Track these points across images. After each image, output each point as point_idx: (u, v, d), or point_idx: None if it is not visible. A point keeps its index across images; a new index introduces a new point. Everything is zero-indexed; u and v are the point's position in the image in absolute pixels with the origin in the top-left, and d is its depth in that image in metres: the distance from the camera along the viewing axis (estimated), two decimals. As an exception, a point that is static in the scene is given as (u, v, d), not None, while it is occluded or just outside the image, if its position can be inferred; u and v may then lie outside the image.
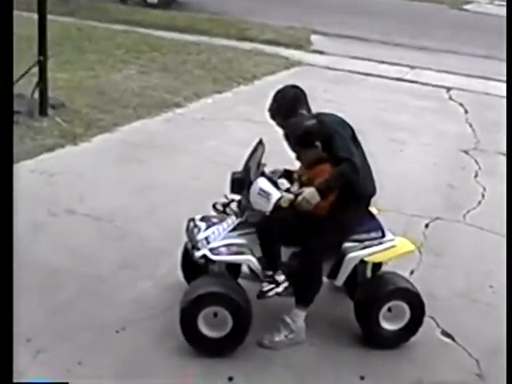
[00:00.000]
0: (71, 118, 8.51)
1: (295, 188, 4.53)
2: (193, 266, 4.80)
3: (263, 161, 4.67)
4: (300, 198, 4.31)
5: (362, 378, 4.32)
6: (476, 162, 8.68)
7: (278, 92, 4.75)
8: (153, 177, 7.07)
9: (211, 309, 4.30)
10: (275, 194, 4.28)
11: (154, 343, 4.42)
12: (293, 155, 4.62)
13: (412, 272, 5.52)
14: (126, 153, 7.72)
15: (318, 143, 4.42)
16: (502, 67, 14.92)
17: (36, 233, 5.66)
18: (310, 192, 4.29)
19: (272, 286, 4.50)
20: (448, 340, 4.84)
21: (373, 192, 4.70)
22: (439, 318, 4.99)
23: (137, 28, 14.71)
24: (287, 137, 4.53)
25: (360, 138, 4.70)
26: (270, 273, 4.47)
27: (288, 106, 4.62)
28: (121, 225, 5.98)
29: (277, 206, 4.28)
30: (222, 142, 8.36)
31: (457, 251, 6.24)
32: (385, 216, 4.87)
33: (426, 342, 4.71)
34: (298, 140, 4.43)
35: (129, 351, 4.32)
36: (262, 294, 4.53)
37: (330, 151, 4.42)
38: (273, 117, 4.66)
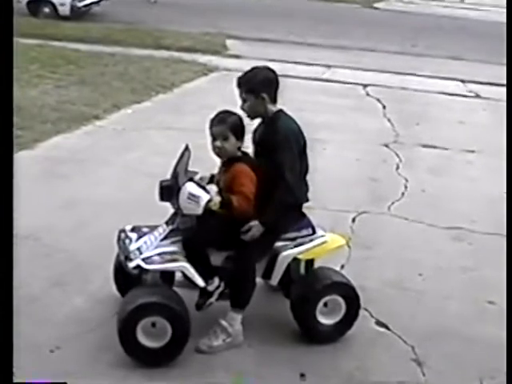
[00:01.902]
0: (-12, 137, 8.31)
1: (213, 189, 4.51)
2: (126, 278, 4.74)
3: (195, 169, 4.68)
4: (248, 235, 4.40)
5: (303, 375, 4.36)
6: (396, 154, 8.87)
7: (258, 68, 4.70)
8: (77, 191, 6.97)
9: (149, 319, 4.27)
10: (204, 197, 4.29)
11: (92, 358, 4.36)
12: (217, 161, 4.64)
13: (342, 266, 5.60)
14: (49, 169, 7.59)
15: (242, 138, 4.49)
16: (416, 62, 15.35)
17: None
18: (256, 227, 4.40)
19: (205, 297, 4.53)
20: (383, 329, 4.93)
21: (305, 201, 4.76)
22: (372, 309, 5.08)
23: (50, 41, 14.46)
24: (214, 127, 4.51)
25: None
26: (203, 284, 4.45)
27: (258, 81, 4.55)
28: (48, 242, 5.88)
29: (207, 208, 4.28)
30: (144, 151, 8.30)
31: (384, 243, 6.36)
32: (312, 213, 4.91)
33: (361, 333, 4.79)
34: (231, 126, 4.43)
35: (66, 369, 4.25)
36: (198, 307, 4.55)
37: (273, 157, 4.43)
38: (239, 84, 4.62)
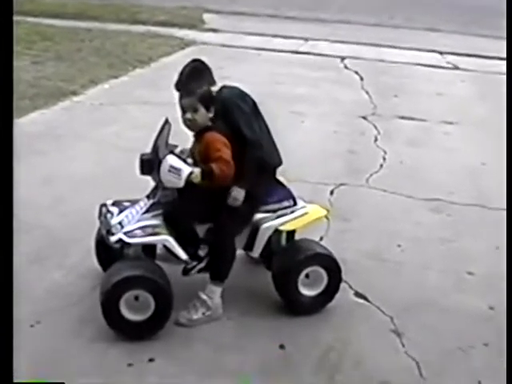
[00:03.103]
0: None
1: (190, 162, 4.52)
2: (107, 252, 4.74)
3: (175, 142, 4.67)
4: (229, 199, 4.45)
5: (282, 346, 4.38)
6: (375, 126, 8.89)
7: (184, 66, 4.76)
8: (55, 167, 6.95)
9: (132, 292, 4.27)
10: (186, 169, 4.28)
11: (73, 332, 4.36)
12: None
13: (321, 238, 5.63)
14: (26, 145, 7.51)
15: (212, 109, 4.47)
16: (393, 34, 15.34)
17: None
18: (235, 191, 4.45)
19: (195, 262, 4.56)
20: (362, 301, 4.95)
21: (278, 162, 4.79)
22: (351, 281, 5.10)
23: (26, 17, 14.30)
24: (183, 99, 4.51)
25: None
26: (190, 250, 4.49)
27: (189, 76, 4.62)
28: (25, 218, 5.83)
29: (189, 181, 4.28)
30: (122, 126, 8.28)
31: (363, 214, 6.39)
32: (290, 185, 4.92)
33: (340, 305, 4.81)
34: (200, 97, 4.42)
35: (47, 343, 4.25)
36: (186, 271, 4.58)
37: (229, 124, 4.49)
38: (177, 88, 4.64)
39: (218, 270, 4.58)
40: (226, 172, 4.34)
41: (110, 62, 11.33)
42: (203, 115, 4.47)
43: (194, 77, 4.60)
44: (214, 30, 14.65)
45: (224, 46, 13.25)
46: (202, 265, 4.58)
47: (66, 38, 12.97)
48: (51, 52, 11.78)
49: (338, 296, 4.79)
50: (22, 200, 6.12)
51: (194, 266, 4.58)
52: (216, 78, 4.77)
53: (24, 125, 8.19)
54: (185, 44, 13.11)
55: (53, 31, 13.36)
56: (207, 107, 4.47)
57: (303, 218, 4.76)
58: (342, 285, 4.88)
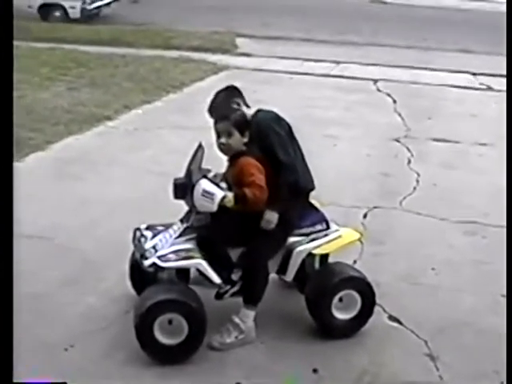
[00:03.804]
0: None
1: (224, 186, 4.54)
2: (142, 276, 4.77)
3: (208, 167, 4.70)
4: (262, 222, 4.47)
5: (315, 370, 4.35)
6: (408, 149, 8.84)
7: (217, 92, 4.80)
8: (90, 191, 7.01)
9: (166, 316, 4.29)
10: (219, 194, 4.31)
11: (105, 356, 4.38)
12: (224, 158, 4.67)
13: (355, 262, 5.59)
14: (61, 170, 7.64)
15: (247, 134, 4.50)
16: (426, 56, 15.29)
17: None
18: (268, 214, 4.46)
19: (228, 286, 4.57)
20: (395, 324, 4.92)
21: (312, 186, 4.80)
22: (385, 304, 5.07)
23: (61, 44, 14.51)
24: (218, 124, 4.54)
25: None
26: (224, 274, 4.50)
27: (222, 101, 4.66)
28: (61, 242, 5.92)
29: (222, 205, 4.30)
30: (156, 151, 8.34)
31: (397, 237, 6.35)
32: (324, 209, 4.92)
33: (374, 328, 4.78)
34: (235, 122, 4.46)
35: (80, 367, 4.27)
36: (219, 296, 4.59)
37: (264, 148, 4.51)
38: (210, 113, 4.68)
39: (252, 294, 4.58)
40: (259, 197, 4.35)
41: (143, 87, 11.43)
42: (237, 140, 4.50)
43: (228, 102, 4.64)
44: (247, 55, 14.72)
45: (257, 70, 13.30)
46: (236, 289, 4.58)
47: (101, 64, 13.12)
48: (86, 78, 11.93)
49: (371, 319, 4.76)
50: (57, 224, 6.23)
51: (228, 290, 4.58)
52: (249, 101, 4.81)
53: (59, 150, 8.31)
54: (218, 68, 13.18)
55: (87, 57, 13.52)
56: (242, 132, 4.49)
57: (337, 241, 4.76)
58: (376, 308, 4.85)
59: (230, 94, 4.75)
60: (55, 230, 6.13)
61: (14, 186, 7.07)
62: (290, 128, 4.78)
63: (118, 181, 7.35)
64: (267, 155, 4.52)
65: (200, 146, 4.64)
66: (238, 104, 4.67)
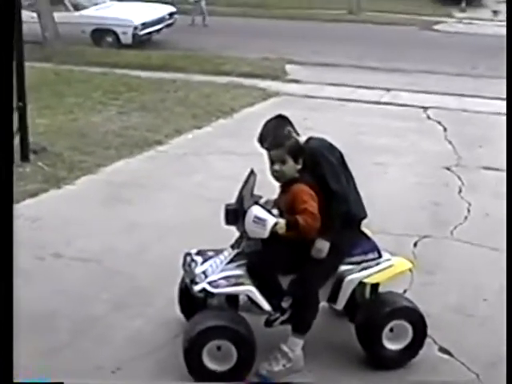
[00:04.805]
0: (53, 162, 8.51)
1: (275, 213, 4.52)
2: (191, 301, 4.78)
3: (259, 193, 4.70)
4: (313, 251, 4.45)
5: (364, 400, 4.31)
6: (459, 177, 8.73)
7: (265, 122, 4.80)
8: (139, 215, 7.06)
9: (215, 342, 4.29)
10: (271, 220, 4.30)
11: (152, 379, 4.40)
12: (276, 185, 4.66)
13: (405, 291, 5.51)
14: (111, 193, 7.71)
15: (300, 161, 4.48)
16: (476, 83, 15.16)
17: (24, 278, 5.60)
18: (319, 243, 4.44)
19: (278, 314, 4.54)
20: (446, 356, 4.84)
21: (363, 215, 4.77)
22: (436, 335, 4.98)
23: (113, 69, 14.72)
24: (272, 151, 4.54)
25: (345, 162, 4.76)
26: (274, 301, 4.48)
27: (274, 128, 4.65)
28: (110, 265, 5.96)
29: (273, 232, 4.28)
30: (206, 176, 8.37)
31: (447, 267, 6.25)
32: (374, 237, 4.88)
33: (425, 360, 4.71)
34: (289, 149, 4.45)
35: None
36: (269, 323, 4.57)
37: (316, 176, 4.50)
38: (261, 142, 4.67)
39: (301, 322, 4.55)
40: (312, 224, 4.33)
41: (193, 112, 11.50)
42: (291, 167, 4.49)
43: (280, 129, 4.62)
44: (297, 81, 14.71)
45: (306, 96, 13.29)
46: (285, 316, 4.55)
47: (151, 88, 13.25)
48: (136, 102, 12.06)
49: (422, 351, 4.69)
50: (106, 247, 6.28)
51: (277, 318, 4.55)
52: (300, 128, 4.79)
53: (110, 174, 8.40)
54: (267, 95, 13.20)
55: (138, 82, 13.68)
56: (296, 159, 4.48)
57: (388, 270, 4.70)
58: (427, 339, 4.77)
59: (281, 122, 4.74)
60: (105, 253, 6.18)
61: (65, 208, 7.21)
62: (341, 156, 4.75)
63: (168, 205, 7.39)
64: (319, 183, 4.50)
65: (252, 172, 4.65)
66: (289, 132, 4.66)
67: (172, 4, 21.05)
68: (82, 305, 5.29)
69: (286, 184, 4.57)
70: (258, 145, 4.69)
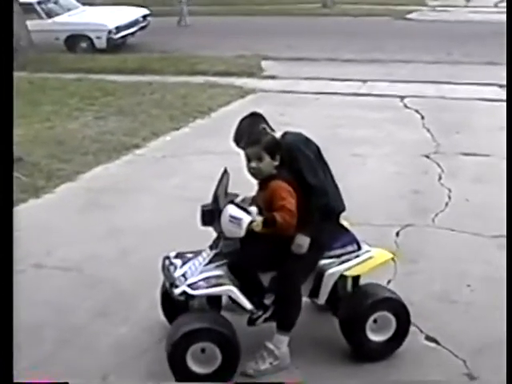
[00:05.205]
0: (31, 172, 8.44)
1: (254, 210, 4.50)
2: (173, 304, 4.74)
3: (236, 191, 4.68)
4: (293, 246, 4.43)
5: (352, 393, 4.30)
6: (438, 165, 8.74)
7: (239, 121, 4.78)
8: (119, 220, 7.02)
9: (198, 345, 4.26)
10: (246, 218, 4.27)
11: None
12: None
13: (389, 281, 5.52)
14: (90, 199, 7.67)
15: (277, 157, 4.47)
16: (452, 70, 15.19)
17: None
18: (300, 238, 4.42)
19: (260, 311, 4.52)
20: (433, 344, 4.84)
21: (342, 208, 4.75)
22: (421, 324, 4.99)
23: (88, 75, 14.62)
24: (248, 149, 4.52)
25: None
26: (256, 299, 4.47)
27: (249, 126, 4.64)
28: (91, 272, 5.92)
29: (249, 230, 4.26)
30: (185, 177, 8.34)
31: (430, 255, 6.25)
32: (355, 229, 4.87)
33: (411, 350, 4.71)
34: (265, 146, 4.43)
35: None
36: (252, 322, 4.54)
37: (294, 171, 4.48)
38: (236, 142, 4.65)
39: (285, 319, 4.53)
40: (289, 221, 4.31)
41: (170, 114, 11.46)
42: (268, 164, 4.47)
43: (255, 127, 4.61)
44: (273, 77, 14.69)
45: (283, 92, 13.27)
46: (268, 314, 4.54)
47: (127, 92, 13.19)
48: (113, 107, 12.00)
49: (407, 340, 4.69)
50: (87, 255, 6.24)
51: (260, 316, 4.53)
52: (277, 124, 4.78)
53: (88, 180, 8.36)
54: (244, 92, 13.17)
55: (114, 86, 13.60)
56: (272, 155, 4.47)
57: (368, 262, 4.69)
58: (412, 328, 4.77)
59: (255, 119, 4.72)
60: (86, 260, 6.14)
61: (45, 217, 7.16)
62: (318, 149, 4.74)
63: (148, 208, 7.36)
64: (296, 178, 4.48)
65: (225, 172, 4.63)
66: (264, 129, 4.64)
67: (145, 6, 20.94)
68: (66, 314, 5.25)
69: (264, 181, 4.56)
70: (233, 145, 4.68)
